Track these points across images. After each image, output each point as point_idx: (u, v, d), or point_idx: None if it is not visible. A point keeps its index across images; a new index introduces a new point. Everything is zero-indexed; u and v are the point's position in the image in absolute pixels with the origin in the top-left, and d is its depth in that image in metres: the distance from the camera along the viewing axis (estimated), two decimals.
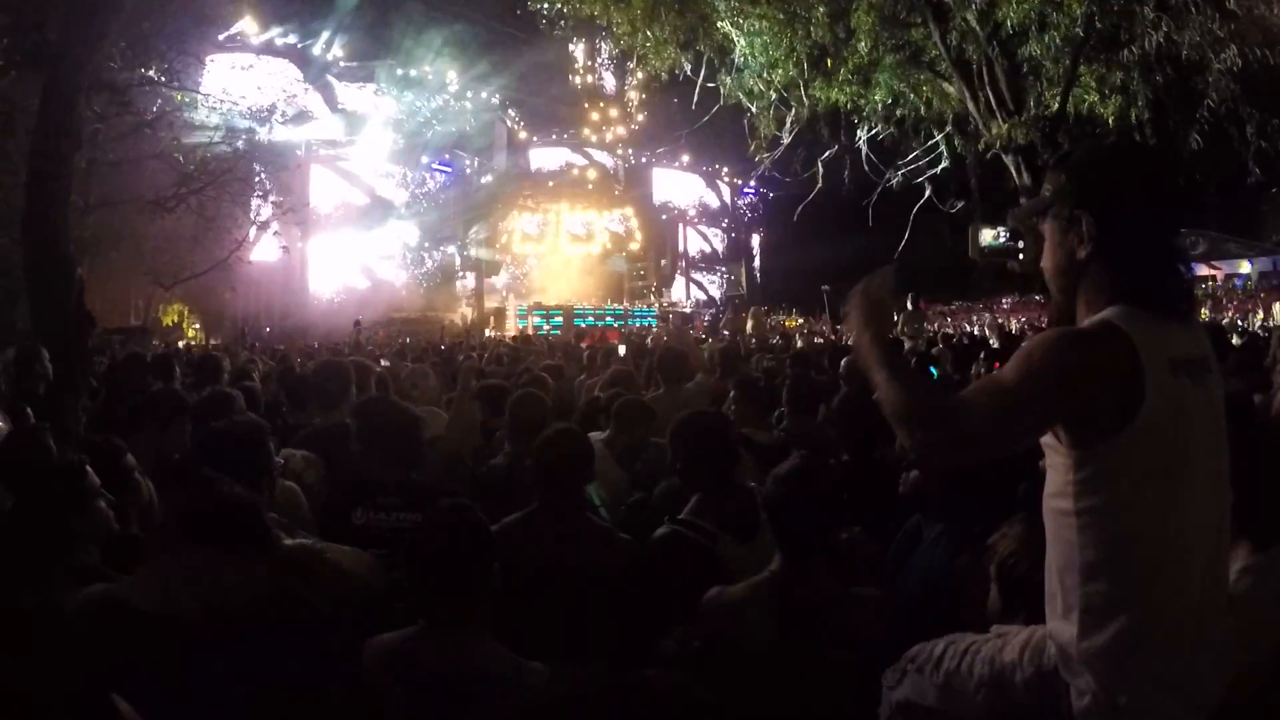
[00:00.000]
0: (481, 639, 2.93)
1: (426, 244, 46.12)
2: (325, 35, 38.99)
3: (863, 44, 18.37)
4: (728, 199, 65.83)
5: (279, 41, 36.58)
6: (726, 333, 24.76)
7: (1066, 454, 2.27)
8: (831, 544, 3.37)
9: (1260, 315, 36.60)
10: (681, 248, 61.56)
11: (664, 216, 59.91)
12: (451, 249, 47.81)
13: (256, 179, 26.70)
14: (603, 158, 55.73)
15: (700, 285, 61.26)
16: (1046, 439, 2.33)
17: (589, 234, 53.57)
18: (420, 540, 2.99)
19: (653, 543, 3.97)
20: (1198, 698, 2.29)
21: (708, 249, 64.34)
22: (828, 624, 3.14)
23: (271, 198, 27.86)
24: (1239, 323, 26.60)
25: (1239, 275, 60.99)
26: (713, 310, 51.05)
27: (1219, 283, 61.73)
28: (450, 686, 2.81)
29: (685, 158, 57.83)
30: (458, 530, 2.98)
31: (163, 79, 21.27)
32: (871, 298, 2.53)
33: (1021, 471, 3.36)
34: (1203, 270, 62.92)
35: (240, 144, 25.80)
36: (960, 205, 21.22)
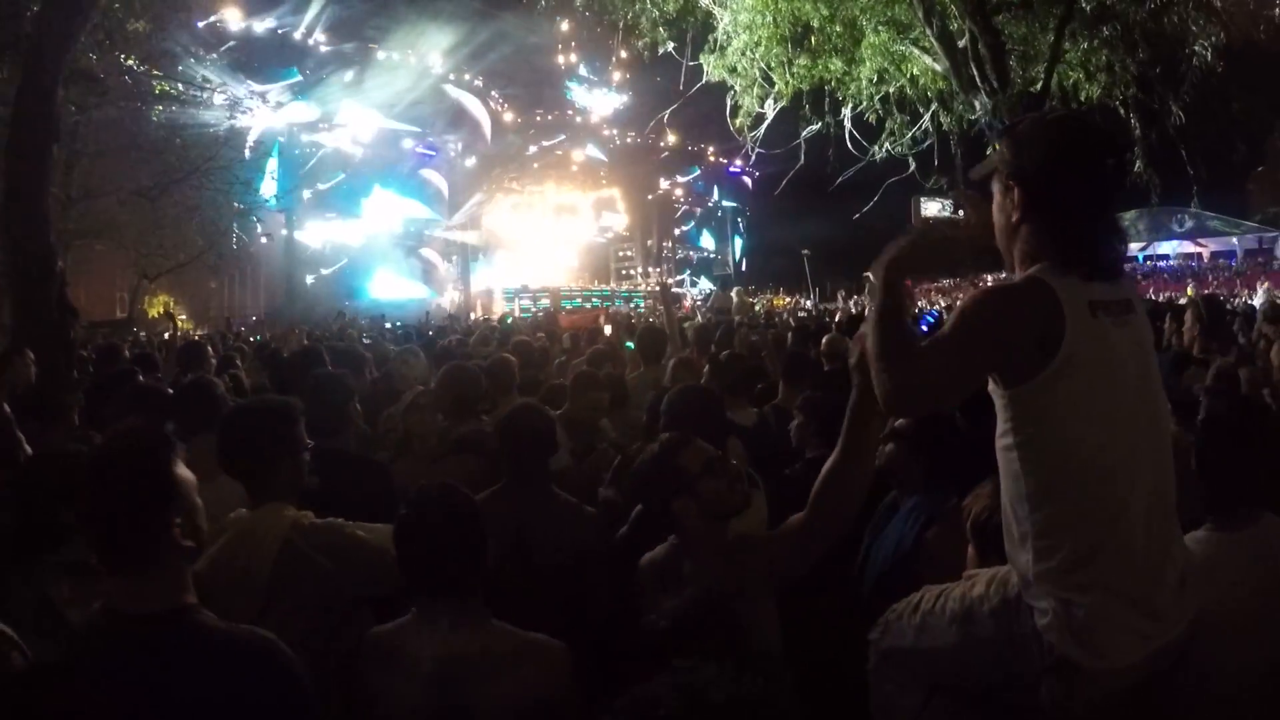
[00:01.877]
0: (480, 618, 2.92)
1: (411, 228, 46.06)
2: (307, 19, 38.80)
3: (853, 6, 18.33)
4: (714, 180, 65.90)
5: (258, 28, 36.39)
6: (709, 313, 24.70)
7: (1003, 393, 2.51)
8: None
9: (1246, 293, 36.79)
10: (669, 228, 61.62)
11: (649, 197, 59.92)
12: (438, 232, 47.74)
13: (239, 164, 26.56)
14: (589, 139, 55.64)
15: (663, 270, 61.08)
16: (990, 385, 2.56)
17: (575, 215, 53.62)
18: (408, 524, 2.96)
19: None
20: (1157, 612, 2.46)
21: (694, 229, 64.45)
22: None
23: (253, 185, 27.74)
24: (1231, 301, 26.70)
25: (1225, 253, 61.38)
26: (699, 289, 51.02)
27: (1205, 261, 62.12)
28: (450, 668, 2.80)
29: (671, 138, 57.78)
30: (443, 511, 2.96)
31: (143, 67, 21.14)
32: (901, 255, 2.65)
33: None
34: (1189, 248, 63.35)
35: (223, 129, 25.75)
36: (943, 182, 21.19)
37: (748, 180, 64.94)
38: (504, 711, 2.76)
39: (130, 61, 20.48)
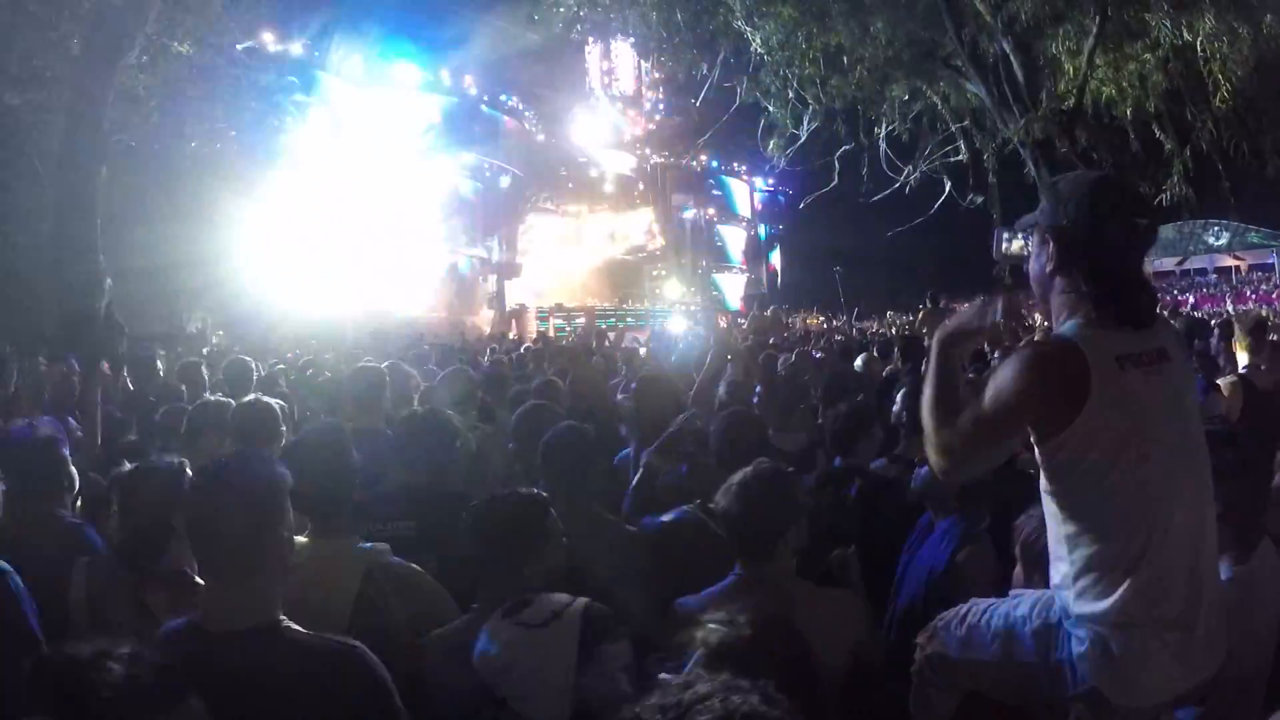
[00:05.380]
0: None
1: (447, 246, 46.11)
2: (338, 41, 38.97)
3: (882, 35, 18.35)
4: (748, 199, 65.77)
5: (293, 51, 36.60)
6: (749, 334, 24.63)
7: (1040, 447, 2.65)
8: (792, 550, 3.43)
9: None
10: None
11: (684, 216, 59.80)
12: (472, 252, 47.80)
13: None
14: (622, 158, 55.62)
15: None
16: (1032, 439, 2.69)
17: (607, 234, 53.65)
18: (477, 523, 3.11)
19: (675, 519, 4.23)
20: (1190, 655, 2.55)
21: (731, 249, 64.29)
22: (795, 622, 3.21)
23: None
24: (1273, 317, 26.35)
25: (1263, 266, 60.53)
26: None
27: (1243, 274, 61.32)
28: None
29: (704, 158, 57.70)
30: (512, 513, 3.10)
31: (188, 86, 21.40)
32: (959, 327, 2.90)
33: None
34: (1226, 261, 62.56)
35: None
36: (979, 201, 21.13)
37: (781, 200, 64.81)
38: None
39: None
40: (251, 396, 5.92)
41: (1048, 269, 2.76)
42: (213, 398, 6.48)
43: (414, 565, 3.58)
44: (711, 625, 2.43)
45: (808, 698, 2.23)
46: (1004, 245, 3.20)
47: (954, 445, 2.67)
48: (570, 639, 2.51)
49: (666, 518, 4.33)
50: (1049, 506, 2.69)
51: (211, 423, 5.57)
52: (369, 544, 3.58)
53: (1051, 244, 2.74)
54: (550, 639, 2.53)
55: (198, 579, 3.32)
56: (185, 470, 3.51)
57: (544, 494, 3.23)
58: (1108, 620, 2.51)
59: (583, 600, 2.68)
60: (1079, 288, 2.68)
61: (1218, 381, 6.87)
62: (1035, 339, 2.97)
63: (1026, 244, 2.99)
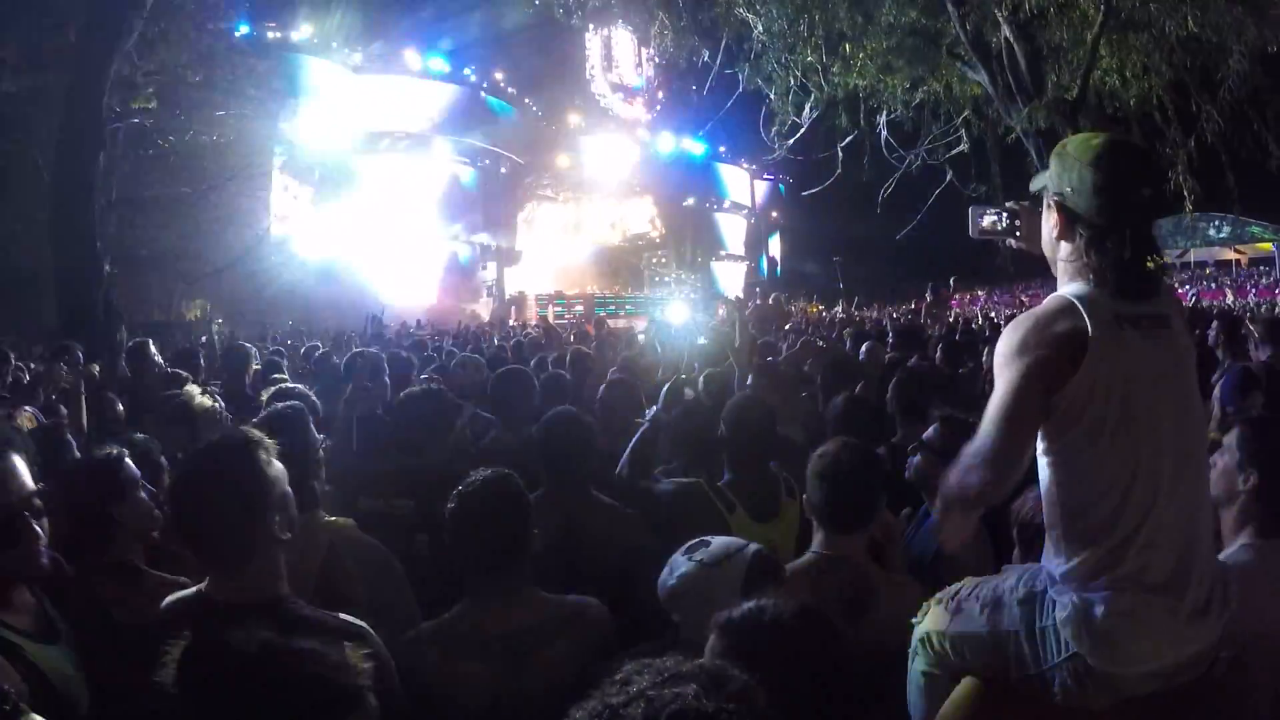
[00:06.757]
0: (530, 593, 3.09)
1: (446, 234, 46.13)
2: (337, 28, 38.92)
3: (884, 19, 18.26)
4: (748, 188, 65.76)
5: (292, 37, 36.54)
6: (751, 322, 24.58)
7: None
8: (873, 528, 3.57)
9: None
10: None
11: (684, 204, 59.81)
12: (472, 239, 47.80)
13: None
14: (622, 146, 55.59)
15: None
16: None
17: (607, 222, 53.69)
18: (461, 510, 3.08)
19: (678, 488, 4.39)
20: (1175, 626, 2.51)
21: (730, 237, 64.35)
22: (871, 608, 3.28)
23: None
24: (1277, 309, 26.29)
25: (1264, 259, 60.49)
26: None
27: (1243, 267, 61.27)
28: (513, 642, 2.97)
29: (705, 146, 57.72)
30: (494, 492, 3.09)
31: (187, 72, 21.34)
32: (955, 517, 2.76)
33: None
34: (1227, 254, 62.55)
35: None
36: (982, 190, 21.04)
37: (781, 188, 64.85)
38: (564, 671, 2.91)
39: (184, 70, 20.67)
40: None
41: (1053, 234, 2.76)
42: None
43: (376, 542, 3.60)
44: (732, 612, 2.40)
45: (838, 698, 2.19)
46: (979, 222, 3.18)
47: (998, 475, 2.52)
48: (736, 579, 2.75)
49: (670, 485, 4.48)
50: (1044, 470, 2.66)
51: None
52: (333, 518, 3.61)
53: (1055, 210, 2.74)
54: (719, 576, 2.79)
55: (143, 568, 3.32)
56: (124, 460, 3.46)
57: (511, 472, 3.22)
58: (1092, 582, 2.51)
59: (754, 546, 2.92)
60: (1081, 255, 2.66)
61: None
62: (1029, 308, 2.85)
63: (999, 220, 3.07)
